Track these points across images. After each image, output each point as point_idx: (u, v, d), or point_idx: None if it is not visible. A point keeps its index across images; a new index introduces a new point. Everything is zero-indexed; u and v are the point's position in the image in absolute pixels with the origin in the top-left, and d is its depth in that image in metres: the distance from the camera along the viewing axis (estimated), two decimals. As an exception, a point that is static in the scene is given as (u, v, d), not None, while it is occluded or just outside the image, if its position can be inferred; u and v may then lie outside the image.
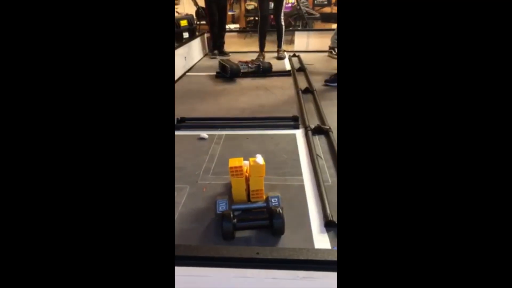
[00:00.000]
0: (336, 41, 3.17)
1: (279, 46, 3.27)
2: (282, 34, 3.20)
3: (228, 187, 1.11)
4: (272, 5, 3.10)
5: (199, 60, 3.30)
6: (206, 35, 3.64)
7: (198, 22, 4.50)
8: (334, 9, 5.59)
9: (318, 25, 5.20)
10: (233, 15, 6.18)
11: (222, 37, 3.41)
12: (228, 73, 2.49)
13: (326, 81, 2.34)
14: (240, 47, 3.77)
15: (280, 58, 3.19)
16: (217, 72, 2.69)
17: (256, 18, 3.17)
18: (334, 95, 2.15)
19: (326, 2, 5.75)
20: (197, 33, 3.64)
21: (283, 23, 3.13)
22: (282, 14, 3.09)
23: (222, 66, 2.62)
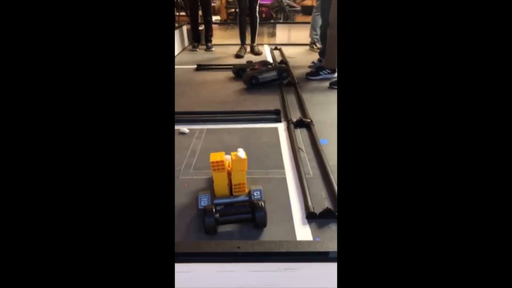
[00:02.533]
0: (316, 36, 3.18)
1: (253, 41, 3.13)
2: (256, 28, 3.08)
3: (210, 182, 1.10)
4: None
5: (178, 53, 3.22)
6: (185, 27, 3.55)
7: (177, 13, 4.39)
8: (315, 2, 5.61)
9: (300, 17, 5.21)
10: (213, 6, 6.07)
11: (210, 30, 3.27)
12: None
13: (307, 74, 2.35)
14: (221, 40, 3.72)
15: (256, 53, 3.08)
16: (197, 65, 2.64)
17: (237, 10, 3.10)
18: (315, 88, 2.17)
19: (307, -5, 5.76)
20: (176, 25, 3.54)
21: (258, 15, 3.04)
22: (257, 6, 3.00)
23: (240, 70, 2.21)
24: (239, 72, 2.31)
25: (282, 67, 2.18)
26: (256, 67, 2.25)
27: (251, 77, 2.09)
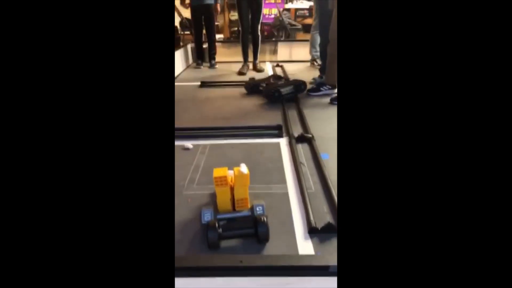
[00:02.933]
0: (316, 53, 3.26)
1: (255, 58, 3.20)
2: (258, 46, 3.17)
3: (213, 197, 1.12)
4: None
5: (183, 71, 3.31)
6: (189, 45, 3.66)
7: (182, 33, 4.53)
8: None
9: (300, 35, 5.34)
10: (217, 25, 6.25)
11: (213, 48, 3.38)
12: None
13: (309, 90, 2.40)
14: (225, 57, 3.82)
15: (258, 70, 3.16)
16: (201, 82, 2.71)
17: (240, 29, 3.20)
18: (316, 103, 2.20)
19: (307, 14, 5.93)
20: (181, 44, 3.66)
21: (260, 34, 3.13)
22: (259, 25, 3.09)
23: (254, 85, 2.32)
24: (253, 88, 2.38)
25: (299, 80, 2.28)
26: (271, 81, 2.32)
27: (274, 91, 2.16)
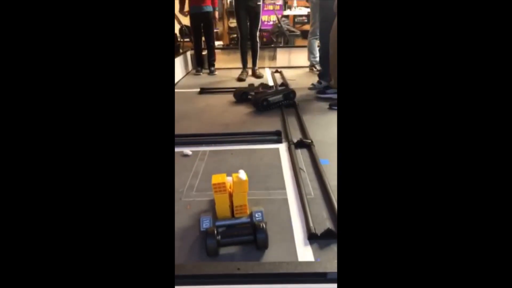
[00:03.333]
0: (315, 59, 3.29)
1: (254, 64, 3.22)
2: (257, 52, 3.19)
3: (212, 204, 1.11)
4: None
5: (182, 77, 3.33)
6: (189, 52, 3.69)
7: (181, 40, 4.58)
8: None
9: (299, 41, 5.38)
10: (216, 32, 6.31)
11: (213, 55, 3.40)
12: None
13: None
14: (224, 64, 3.85)
15: (258, 76, 3.17)
16: (200, 89, 2.72)
17: (239, 36, 3.23)
18: (315, 109, 2.21)
19: (306, 20, 5.98)
20: (180, 51, 3.69)
21: (258, 40, 3.16)
22: (258, 32, 3.12)
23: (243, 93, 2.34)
24: (242, 96, 2.38)
25: (289, 88, 2.30)
26: (260, 90, 2.33)
27: (263, 99, 2.17)
